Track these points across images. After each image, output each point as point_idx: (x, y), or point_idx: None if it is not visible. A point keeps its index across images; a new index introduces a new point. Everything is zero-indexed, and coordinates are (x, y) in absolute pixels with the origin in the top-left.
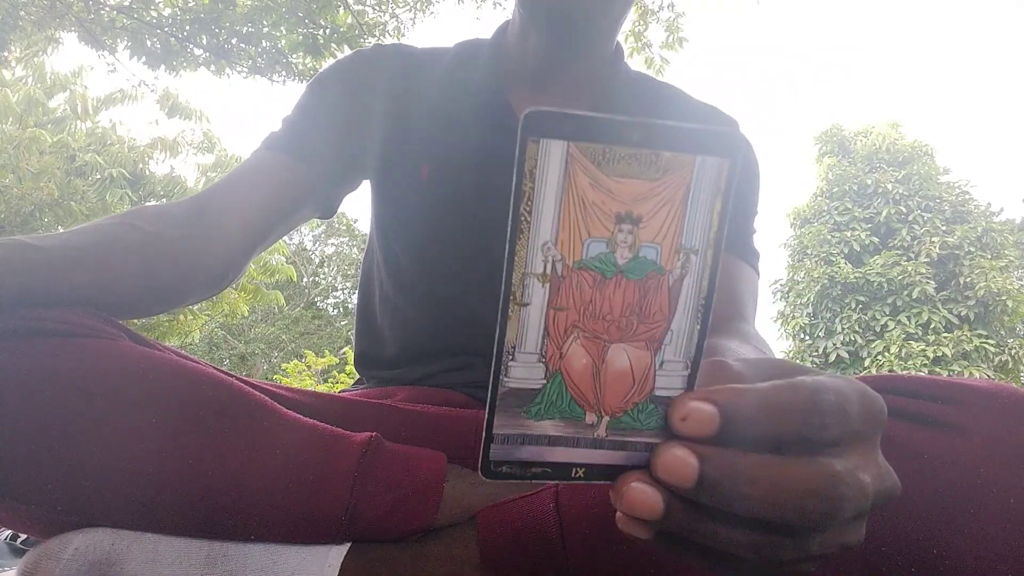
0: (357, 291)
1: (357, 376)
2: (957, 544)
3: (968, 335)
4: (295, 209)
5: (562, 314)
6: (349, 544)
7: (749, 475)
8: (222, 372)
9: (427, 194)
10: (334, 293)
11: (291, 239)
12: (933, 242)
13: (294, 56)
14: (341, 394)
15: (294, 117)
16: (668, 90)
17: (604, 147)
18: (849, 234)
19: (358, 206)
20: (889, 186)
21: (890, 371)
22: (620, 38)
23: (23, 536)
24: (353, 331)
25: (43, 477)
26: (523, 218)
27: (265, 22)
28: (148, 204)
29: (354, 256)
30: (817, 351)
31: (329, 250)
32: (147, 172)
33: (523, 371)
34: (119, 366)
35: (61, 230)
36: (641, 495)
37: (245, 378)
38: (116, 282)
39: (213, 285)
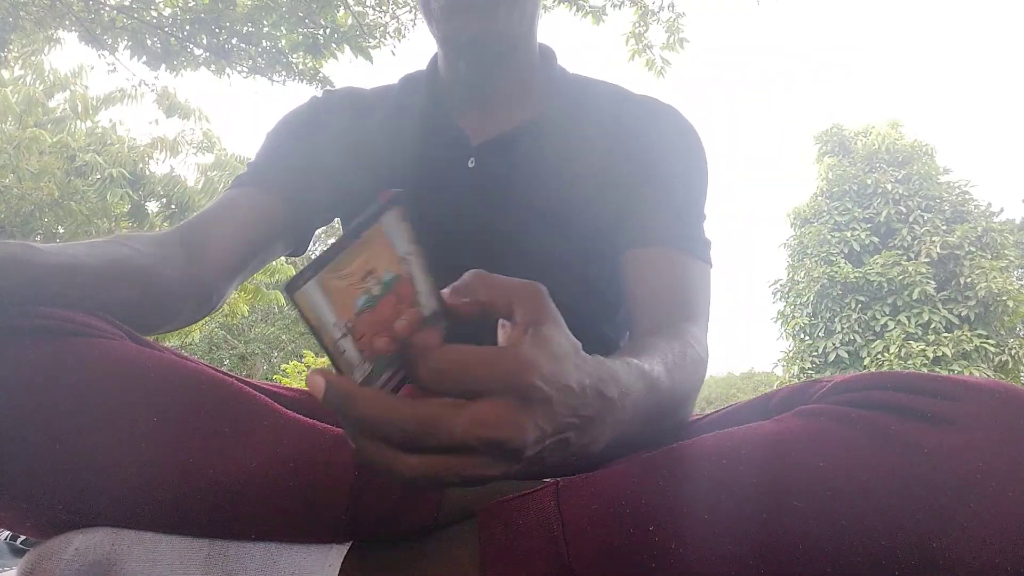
0: None
1: None
2: (956, 537)
3: (968, 335)
4: (271, 240)
5: (365, 337)
6: (350, 543)
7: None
8: (222, 372)
9: None
10: None
11: None
12: (933, 242)
13: (294, 56)
14: None
15: (265, 157)
16: (605, 88)
17: (333, 262)
18: (849, 234)
19: None
20: (889, 186)
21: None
22: (620, 39)
23: (23, 536)
24: None
25: (44, 475)
26: (318, 335)
27: (265, 22)
28: (133, 233)
29: None
30: (817, 351)
31: None
32: (147, 172)
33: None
34: (121, 365)
35: (61, 230)
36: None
37: (245, 378)
38: (112, 292)
39: (198, 308)
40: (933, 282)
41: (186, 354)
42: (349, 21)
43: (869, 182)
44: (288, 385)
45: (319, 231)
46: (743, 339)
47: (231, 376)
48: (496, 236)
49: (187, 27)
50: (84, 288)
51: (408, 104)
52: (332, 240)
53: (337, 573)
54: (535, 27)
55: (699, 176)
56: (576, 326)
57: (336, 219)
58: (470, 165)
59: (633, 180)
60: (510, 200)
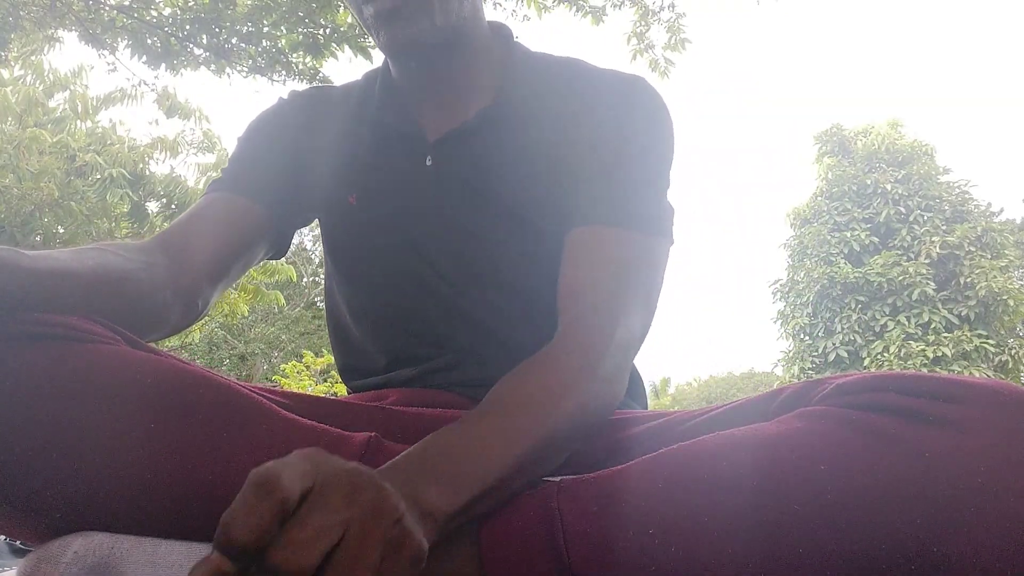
0: (325, 313)
1: (340, 375)
2: (958, 541)
3: (968, 335)
4: (251, 244)
5: None
6: None
7: None
8: (219, 376)
9: (358, 218)
10: None
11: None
12: (933, 242)
13: (294, 56)
14: (335, 398)
15: (238, 161)
16: (565, 63)
17: None
18: (849, 234)
19: None
20: (889, 186)
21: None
22: (623, 39)
23: None
24: (332, 348)
25: (41, 481)
26: None
27: (265, 21)
28: (117, 241)
29: None
30: (817, 351)
31: None
32: (147, 172)
33: None
34: (118, 370)
35: (61, 230)
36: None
37: (243, 383)
38: (101, 298)
39: (185, 315)
40: (933, 282)
41: (183, 357)
42: (348, 20)
43: (869, 182)
44: (286, 387)
45: (300, 231)
46: (743, 339)
47: (228, 380)
48: (460, 235)
49: (187, 27)
50: (73, 294)
51: (367, 102)
52: (312, 241)
53: None
54: (480, 9)
55: (658, 143)
56: (550, 321)
57: (315, 219)
58: (427, 163)
59: (587, 158)
60: (470, 196)
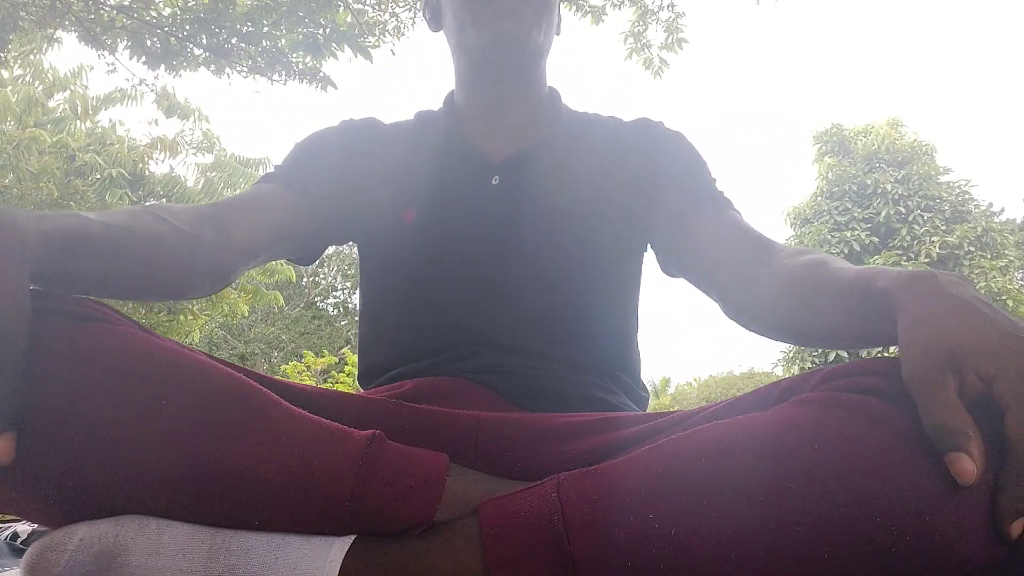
0: (358, 330)
1: (357, 378)
2: (951, 512)
3: None
4: (287, 236)
5: None
6: (352, 538)
7: None
8: (229, 365)
9: (415, 234)
10: (334, 293)
11: None
12: (933, 242)
13: (294, 56)
14: (346, 393)
15: (291, 162)
16: (604, 119)
17: None
18: (849, 234)
19: None
20: (889, 186)
21: None
22: (620, 38)
23: (23, 536)
24: (356, 352)
25: (54, 453)
26: None
27: (265, 21)
28: (171, 205)
29: (354, 256)
30: (817, 351)
31: (329, 250)
32: (147, 172)
33: None
34: (133, 352)
35: None
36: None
37: (253, 371)
38: (134, 256)
39: (215, 283)
40: None
41: (192, 348)
42: (348, 20)
43: (869, 182)
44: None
45: (330, 253)
46: (743, 339)
47: (232, 367)
48: (521, 247)
49: (187, 27)
50: (99, 251)
51: (426, 132)
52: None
53: (339, 568)
54: (546, 61)
55: (700, 162)
56: (587, 322)
57: (350, 243)
58: (494, 182)
59: (651, 171)
60: (534, 212)
